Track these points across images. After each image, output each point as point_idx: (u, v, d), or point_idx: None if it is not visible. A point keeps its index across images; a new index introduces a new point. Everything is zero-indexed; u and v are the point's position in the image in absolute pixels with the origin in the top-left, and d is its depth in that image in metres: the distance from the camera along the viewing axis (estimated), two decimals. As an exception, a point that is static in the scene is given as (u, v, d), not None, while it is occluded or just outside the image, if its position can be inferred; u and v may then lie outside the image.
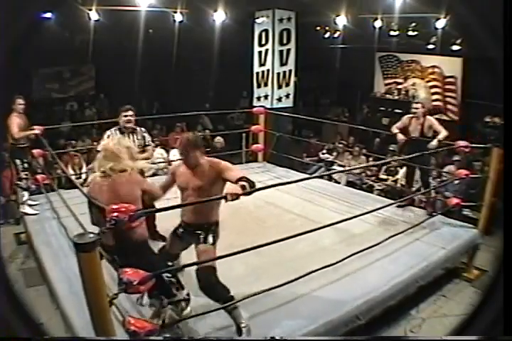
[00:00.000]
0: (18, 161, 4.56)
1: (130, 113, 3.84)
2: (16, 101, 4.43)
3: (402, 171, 6.59)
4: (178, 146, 2.76)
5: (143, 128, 4.07)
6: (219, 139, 8.17)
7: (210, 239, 2.71)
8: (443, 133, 4.44)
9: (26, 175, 4.60)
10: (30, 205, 4.63)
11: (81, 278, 1.99)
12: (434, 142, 4.39)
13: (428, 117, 4.59)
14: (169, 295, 2.49)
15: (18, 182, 4.63)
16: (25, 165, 4.59)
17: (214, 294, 2.59)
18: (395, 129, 4.72)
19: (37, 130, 4.61)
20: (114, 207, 2.09)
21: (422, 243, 3.97)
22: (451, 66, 8.51)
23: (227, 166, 2.69)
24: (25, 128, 4.54)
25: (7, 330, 1.44)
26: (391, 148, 7.55)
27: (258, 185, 2.63)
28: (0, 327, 1.44)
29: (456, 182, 5.24)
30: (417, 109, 4.61)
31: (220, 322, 2.73)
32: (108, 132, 3.86)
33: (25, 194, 4.62)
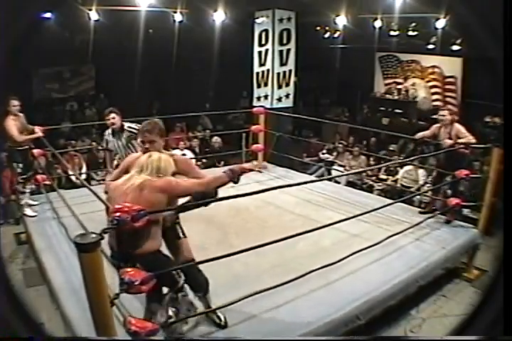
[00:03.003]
0: (14, 165, 4.54)
1: (112, 115, 4.12)
2: (10, 103, 4.30)
3: (402, 171, 6.60)
4: (139, 133, 2.63)
5: (129, 124, 4.19)
6: (217, 139, 8.18)
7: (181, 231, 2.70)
8: (469, 139, 4.32)
9: (23, 179, 4.59)
10: (30, 205, 4.63)
11: (83, 279, 1.99)
12: (449, 141, 4.33)
13: (456, 125, 4.46)
14: (175, 285, 2.44)
15: (16, 186, 4.63)
16: (19, 169, 4.53)
17: (197, 284, 2.60)
18: (419, 135, 4.68)
19: (40, 132, 4.58)
20: (117, 206, 2.08)
21: (422, 243, 3.97)
22: (451, 66, 8.50)
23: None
24: (24, 129, 4.51)
25: (7, 330, 1.44)
26: (391, 148, 7.56)
27: (257, 185, 2.63)
28: (0, 327, 1.44)
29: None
30: (443, 116, 4.47)
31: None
32: (106, 132, 4.24)
33: (24, 197, 4.61)
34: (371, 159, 7.27)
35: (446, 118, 4.48)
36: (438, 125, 4.58)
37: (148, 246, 2.24)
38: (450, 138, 4.41)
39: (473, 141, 4.33)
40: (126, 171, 2.51)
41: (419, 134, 4.72)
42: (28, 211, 4.53)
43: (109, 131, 4.19)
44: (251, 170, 2.41)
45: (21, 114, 4.51)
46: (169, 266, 2.38)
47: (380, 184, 6.73)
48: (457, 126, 4.47)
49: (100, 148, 4.28)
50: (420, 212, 4.75)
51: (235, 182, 2.34)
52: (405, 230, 3.86)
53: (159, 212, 2.23)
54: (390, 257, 3.65)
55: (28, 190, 4.70)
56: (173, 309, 2.47)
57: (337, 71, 10.23)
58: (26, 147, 4.54)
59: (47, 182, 4.82)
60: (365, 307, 3.02)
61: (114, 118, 4.11)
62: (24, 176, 4.58)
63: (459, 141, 4.33)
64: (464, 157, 4.49)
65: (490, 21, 1.40)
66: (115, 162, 4.14)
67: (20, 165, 4.53)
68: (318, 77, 10.85)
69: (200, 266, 2.61)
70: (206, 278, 2.67)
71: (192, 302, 2.58)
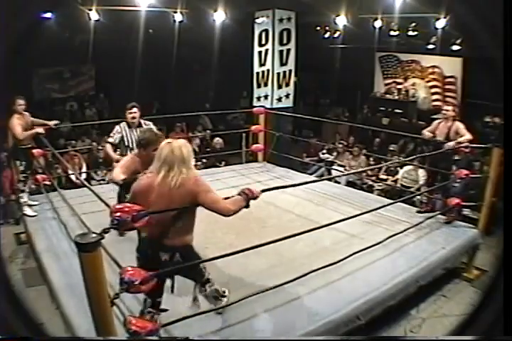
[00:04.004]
0: (17, 162, 4.56)
1: (134, 110, 4.20)
2: (16, 102, 4.39)
3: (402, 171, 6.60)
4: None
5: (149, 122, 4.37)
6: (218, 140, 8.19)
7: None
8: (466, 136, 4.35)
9: (25, 177, 4.60)
10: (30, 205, 4.62)
11: (83, 278, 1.99)
12: (451, 143, 4.36)
13: (457, 122, 4.50)
14: (202, 278, 2.55)
15: (16, 184, 4.63)
16: (22, 167, 4.56)
17: None
18: (424, 132, 4.71)
19: (40, 129, 4.59)
20: (118, 206, 2.08)
21: (422, 243, 3.96)
22: (451, 66, 8.50)
23: None
24: (28, 128, 4.54)
25: (7, 330, 1.44)
26: (391, 148, 7.56)
27: (258, 185, 2.63)
28: (0, 327, 1.44)
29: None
30: (447, 111, 4.56)
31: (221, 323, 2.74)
32: (117, 126, 4.21)
33: (24, 196, 4.61)
34: (371, 159, 7.27)
35: (449, 114, 4.53)
36: (439, 120, 4.63)
37: (187, 238, 2.36)
38: (448, 134, 4.47)
39: (470, 137, 4.36)
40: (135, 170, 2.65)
41: (426, 133, 4.68)
42: (28, 210, 4.53)
43: (124, 124, 4.20)
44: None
45: (26, 113, 4.54)
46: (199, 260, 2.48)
47: (380, 184, 6.73)
48: (458, 123, 4.50)
49: (111, 140, 4.17)
50: (418, 211, 4.77)
51: (247, 207, 2.35)
52: (405, 230, 3.86)
53: (160, 212, 2.22)
54: (390, 257, 3.65)
55: (27, 190, 4.70)
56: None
57: (337, 71, 10.22)
58: (29, 145, 4.56)
59: (47, 182, 4.82)
60: (365, 308, 3.02)
61: (136, 112, 4.18)
62: (25, 174, 4.59)
63: (458, 140, 4.36)
64: (452, 156, 4.51)
65: (490, 21, 1.40)
66: (117, 156, 4.10)
67: (23, 163, 4.55)
68: (318, 77, 10.86)
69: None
70: None
71: (218, 290, 2.66)
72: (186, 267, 2.36)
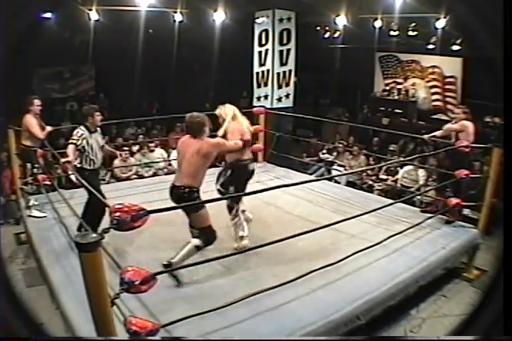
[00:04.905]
0: (28, 165, 4.55)
1: (99, 113, 3.96)
2: (33, 102, 4.41)
3: (402, 171, 6.60)
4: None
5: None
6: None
7: None
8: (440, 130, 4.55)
9: (33, 179, 4.59)
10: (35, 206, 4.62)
11: (83, 279, 1.98)
12: (426, 136, 4.69)
13: (461, 122, 4.47)
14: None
15: (24, 187, 4.61)
16: (36, 170, 4.57)
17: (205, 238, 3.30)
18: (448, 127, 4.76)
19: (49, 127, 4.67)
20: (118, 206, 2.07)
21: (422, 243, 3.97)
22: (451, 66, 8.50)
23: None
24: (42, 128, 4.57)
25: (7, 330, 1.44)
26: (391, 148, 7.55)
27: (258, 185, 2.63)
28: (0, 327, 1.44)
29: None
30: (458, 114, 4.60)
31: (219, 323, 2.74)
32: (80, 131, 3.83)
33: (32, 198, 4.60)
34: (371, 159, 7.27)
35: (460, 117, 4.53)
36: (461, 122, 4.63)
37: (234, 157, 3.67)
38: (457, 135, 4.48)
39: (438, 132, 4.60)
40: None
41: (448, 126, 4.68)
42: (35, 212, 4.50)
43: (84, 129, 3.85)
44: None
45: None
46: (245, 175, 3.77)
47: (380, 184, 6.73)
48: (464, 123, 4.46)
49: (76, 142, 3.80)
50: (422, 211, 4.76)
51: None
52: (405, 230, 3.86)
53: (161, 211, 2.22)
54: (390, 257, 3.65)
55: (33, 194, 4.70)
56: None
57: (337, 71, 10.21)
58: (34, 148, 4.56)
59: (47, 182, 4.82)
60: (365, 307, 3.02)
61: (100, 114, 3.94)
62: (29, 179, 4.58)
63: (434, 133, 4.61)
64: (465, 156, 4.50)
65: (490, 21, 1.40)
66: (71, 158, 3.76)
67: (36, 165, 4.56)
68: (318, 77, 10.85)
69: (200, 267, 2.61)
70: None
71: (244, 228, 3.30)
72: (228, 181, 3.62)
